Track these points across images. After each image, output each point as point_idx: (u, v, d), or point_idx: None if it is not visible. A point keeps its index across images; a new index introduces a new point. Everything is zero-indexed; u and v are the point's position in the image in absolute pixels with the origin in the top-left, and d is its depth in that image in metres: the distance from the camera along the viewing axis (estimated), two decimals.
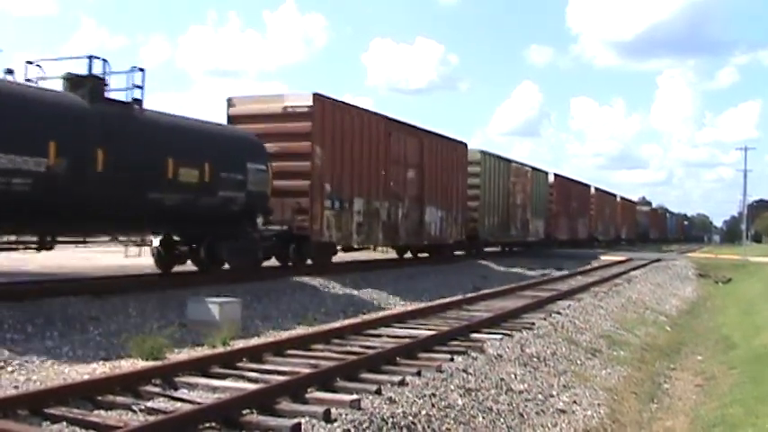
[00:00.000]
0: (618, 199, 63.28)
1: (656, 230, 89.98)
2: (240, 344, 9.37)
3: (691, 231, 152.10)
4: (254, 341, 9.81)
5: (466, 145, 27.65)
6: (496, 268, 26.70)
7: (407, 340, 9.46)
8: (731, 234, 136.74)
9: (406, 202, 22.05)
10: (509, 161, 32.84)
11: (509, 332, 10.74)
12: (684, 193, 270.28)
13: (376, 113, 20.83)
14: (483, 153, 29.49)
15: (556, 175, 41.42)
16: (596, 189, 52.55)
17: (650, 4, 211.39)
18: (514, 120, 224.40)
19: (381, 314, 12.52)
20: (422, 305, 14.17)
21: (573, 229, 44.87)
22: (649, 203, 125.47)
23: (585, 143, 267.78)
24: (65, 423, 5.60)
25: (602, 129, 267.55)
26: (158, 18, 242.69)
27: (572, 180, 45.90)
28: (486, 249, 31.83)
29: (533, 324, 11.66)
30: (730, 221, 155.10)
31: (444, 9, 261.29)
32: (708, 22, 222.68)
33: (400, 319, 11.86)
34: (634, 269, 28.91)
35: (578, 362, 10.20)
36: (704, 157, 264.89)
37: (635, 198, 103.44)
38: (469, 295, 16.08)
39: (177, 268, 15.72)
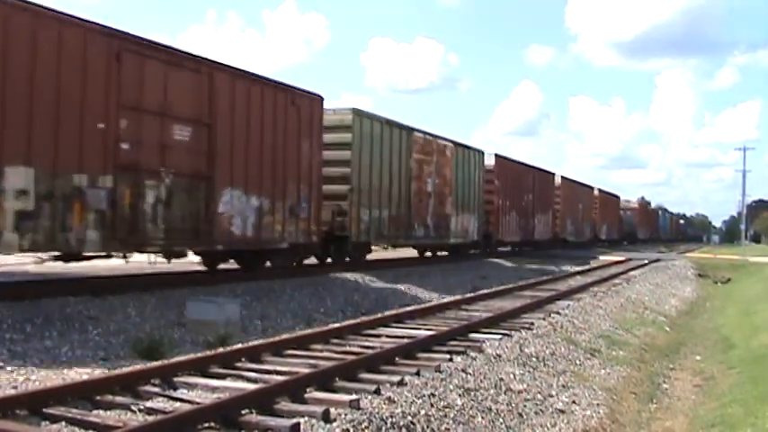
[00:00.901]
0: (595, 192, 53.30)
1: (645, 230, 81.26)
2: (239, 344, 9.36)
3: (686, 230, 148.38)
4: (254, 341, 9.80)
5: (321, 98, 17.45)
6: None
7: (406, 340, 9.46)
8: (730, 234, 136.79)
9: (166, 180, 12.72)
10: (411, 129, 22.49)
11: (508, 332, 10.74)
12: (684, 193, 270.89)
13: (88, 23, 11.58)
14: (357, 113, 19.57)
15: (498, 156, 30.97)
16: (564, 179, 42.94)
17: (650, 4, 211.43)
18: (514, 120, 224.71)
19: (380, 314, 12.50)
20: (421, 306, 14.17)
21: (526, 229, 34.89)
22: (648, 202, 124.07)
23: (585, 143, 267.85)
24: (64, 423, 5.59)
25: (601, 129, 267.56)
26: (158, 18, 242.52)
27: (525, 165, 35.48)
28: (373, 257, 22.42)
29: (532, 324, 11.66)
30: (729, 222, 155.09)
31: (444, 9, 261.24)
32: (707, 23, 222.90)
33: (399, 319, 11.85)
34: (633, 269, 28.91)
35: (577, 362, 10.21)
36: (703, 158, 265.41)
37: (634, 198, 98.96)
38: (468, 295, 16.08)
39: (177, 268, 15.79)
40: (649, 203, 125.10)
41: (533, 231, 36.09)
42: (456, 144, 26.01)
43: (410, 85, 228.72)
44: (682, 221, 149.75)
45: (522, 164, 34.95)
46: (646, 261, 34.77)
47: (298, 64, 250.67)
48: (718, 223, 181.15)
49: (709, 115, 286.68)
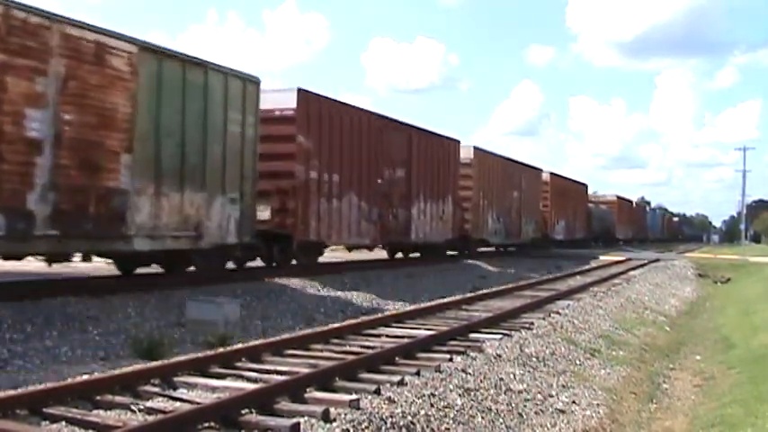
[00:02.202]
0: (546, 176, 39.74)
1: (627, 228, 68.48)
2: (239, 344, 9.36)
3: (682, 229, 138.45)
4: (254, 341, 9.80)
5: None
6: None
7: (406, 340, 9.46)
8: (730, 234, 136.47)
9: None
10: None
11: (508, 332, 10.74)
12: (684, 193, 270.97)
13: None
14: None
15: (301, 91, 17.60)
16: (479, 151, 28.84)
17: (650, 5, 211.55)
18: (514, 120, 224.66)
19: (380, 314, 12.51)
20: (421, 305, 14.16)
21: (385, 227, 21.53)
22: (648, 202, 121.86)
23: (585, 143, 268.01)
24: (64, 423, 5.59)
25: (601, 129, 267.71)
26: (158, 17, 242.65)
27: (395, 121, 22.29)
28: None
29: (532, 324, 11.66)
30: (729, 221, 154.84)
31: (445, 9, 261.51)
32: (708, 23, 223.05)
33: (399, 319, 11.85)
34: (633, 269, 28.91)
35: (577, 362, 10.21)
36: (704, 158, 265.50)
37: (634, 198, 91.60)
38: (468, 295, 16.08)
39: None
40: (649, 203, 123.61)
41: (408, 229, 23.92)
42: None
43: (410, 85, 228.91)
44: (676, 218, 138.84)
45: (376, 115, 21.26)
46: (645, 261, 34.76)
47: (298, 64, 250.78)
48: (718, 223, 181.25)
49: (710, 115, 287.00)
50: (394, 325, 11.28)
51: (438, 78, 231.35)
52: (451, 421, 6.63)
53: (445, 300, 14.87)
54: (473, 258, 28.46)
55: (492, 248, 34.38)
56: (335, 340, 9.66)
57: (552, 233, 41.56)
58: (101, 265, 15.12)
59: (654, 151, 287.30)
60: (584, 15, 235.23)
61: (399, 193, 22.47)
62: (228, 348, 8.74)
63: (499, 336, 10.35)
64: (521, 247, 37.02)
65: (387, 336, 10.28)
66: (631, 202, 75.93)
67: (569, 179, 46.94)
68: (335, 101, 19.19)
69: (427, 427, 6.34)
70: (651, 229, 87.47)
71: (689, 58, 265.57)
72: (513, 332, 10.77)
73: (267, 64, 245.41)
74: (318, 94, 18.22)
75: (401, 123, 22.71)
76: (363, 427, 5.85)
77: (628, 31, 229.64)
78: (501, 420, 7.08)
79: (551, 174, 41.55)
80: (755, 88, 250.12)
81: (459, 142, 27.47)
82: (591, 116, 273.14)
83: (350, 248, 23.22)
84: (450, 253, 28.07)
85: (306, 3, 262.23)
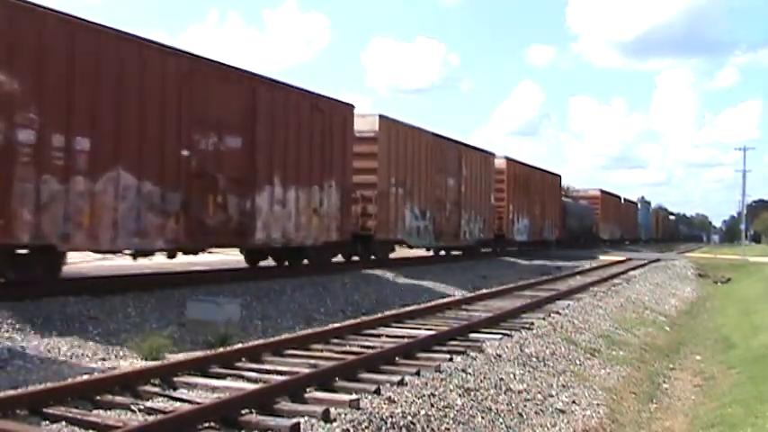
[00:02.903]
0: (500, 162, 31.51)
1: (613, 227, 59.99)
2: (239, 344, 9.36)
3: (679, 227, 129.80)
4: (254, 341, 9.81)
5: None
6: None
7: (406, 340, 9.46)
8: (730, 234, 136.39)
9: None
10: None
11: (508, 332, 10.74)
12: (684, 193, 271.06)
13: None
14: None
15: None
16: (389, 121, 21.69)
17: (651, 5, 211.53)
18: (514, 120, 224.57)
19: (380, 314, 12.51)
20: (421, 305, 14.16)
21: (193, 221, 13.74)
22: (648, 202, 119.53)
23: (585, 143, 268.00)
24: (64, 423, 5.60)
25: (602, 129, 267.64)
26: (159, 17, 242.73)
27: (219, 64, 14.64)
28: None
29: (532, 324, 11.66)
30: (729, 221, 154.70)
31: (445, 9, 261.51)
32: (708, 23, 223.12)
33: (399, 318, 11.85)
34: (633, 269, 28.91)
35: (577, 362, 10.21)
36: (704, 158, 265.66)
37: (634, 197, 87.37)
38: (468, 295, 16.08)
39: (178, 267, 15.82)
40: (649, 203, 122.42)
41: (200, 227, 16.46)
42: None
43: (411, 84, 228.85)
44: (672, 216, 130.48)
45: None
46: (645, 261, 34.74)
47: (299, 64, 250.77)
48: (718, 223, 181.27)
49: (710, 115, 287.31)
50: (394, 325, 11.29)
51: (438, 78, 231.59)
52: (451, 421, 6.63)
53: (446, 300, 14.85)
54: (379, 267, 20.27)
55: (425, 253, 28.44)
56: (335, 340, 9.66)
57: (511, 233, 32.81)
58: (100, 266, 15.11)
59: (654, 151, 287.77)
60: (585, 15, 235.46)
61: (232, 172, 14.66)
62: (228, 348, 8.75)
63: (499, 336, 10.35)
64: (466, 251, 29.19)
65: (387, 336, 10.29)
66: (619, 197, 66.12)
67: (535, 167, 37.12)
68: None
69: (427, 427, 6.34)
70: (643, 229, 78.27)
71: (689, 58, 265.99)
72: (513, 332, 10.77)
73: (268, 64, 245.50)
74: None
75: (237, 70, 15.04)
76: (363, 427, 5.85)
77: (628, 31, 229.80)
78: (501, 420, 7.08)
79: (508, 159, 32.38)
80: (756, 88, 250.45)
81: (352, 107, 19.27)
82: (591, 116, 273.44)
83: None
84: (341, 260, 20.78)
85: (306, 3, 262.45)
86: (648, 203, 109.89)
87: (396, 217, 21.94)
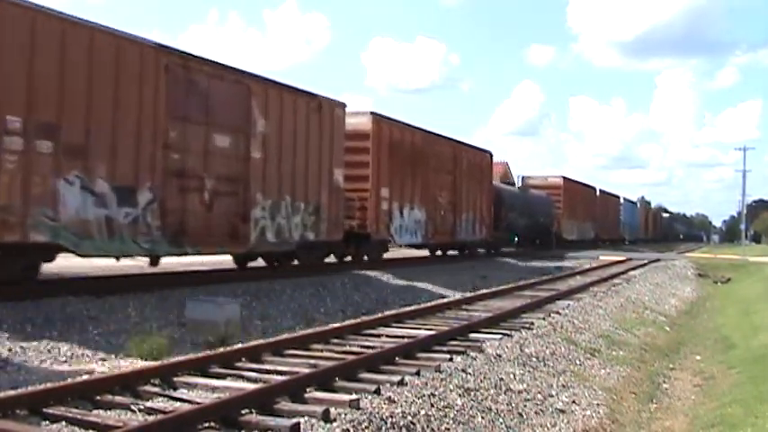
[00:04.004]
0: (363, 122, 20.75)
1: (583, 225, 48.30)
2: (239, 344, 9.36)
3: (674, 227, 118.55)
4: (254, 341, 9.81)
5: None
6: None
7: (406, 340, 9.46)
8: (730, 234, 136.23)
9: None
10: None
11: (508, 332, 10.74)
12: (684, 193, 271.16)
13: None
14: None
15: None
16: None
17: (651, 5, 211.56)
18: (515, 119, 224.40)
19: (380, 314, 12.51)
20: (421, 305, 14.16)
21: None
22: (648, 202, 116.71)
23: (585, 143, 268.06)
24: (64, 423, 5.59)
25: (602, 129, 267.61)
26: (159, 17, 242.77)
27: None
28: None
29: (532, 324, 11.66)
30: (729, 221, 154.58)
31: (445, 8, 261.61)
32: (708, 22, 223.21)
33: (399, 318, 11.85)
34: (633, 269, 28.91)
35: (577, 362, 10.21)
36: (704, 158, 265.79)
37: (634, 197, 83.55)
38: (468, 295, 16.08)
39: (178, 268, 15.81)
40: (649, 203, 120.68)
41: None
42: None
43: (411, 84, 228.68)
44: (666, 214, 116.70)
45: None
46: (646, 261, 34.75)
47: (299, 64, 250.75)
48: (718, 223, 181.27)
49: (710, 115, 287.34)
50: (394, 325, 11.29)
51: (439, 78, 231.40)
52: (451, 421, 6.63)
53: (446, 300, 14.86)
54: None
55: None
56: (335, 340, 9.66)
57: (379, 232, 21.13)
58: (100, 266, 15.11)
59: (654, 151, 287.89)
60: (585, 15, 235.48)
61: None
62: (228, 348, 8.74)
63: (499, 336, 10.35)
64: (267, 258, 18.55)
65: (387, 336, 10.28)
66: (593, 188, 53.82)
67: (437, 135, 25.42)
68: None
69: (427, 427, 6.34)
70: (627, 227, 66.13)
71: (689, 58, 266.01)
72: (513, 332, 10.77)
73: (268, 64, 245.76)
74: None
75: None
76: (363, 427, 5.85)
77: (628, 30, 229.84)
78: (501, 420, 7.08)
79: (376, 117, 20.99)
80: (756, 88, 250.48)
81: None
82: (591, 116, 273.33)
83: None
84: None
85: (306, 2, 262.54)
86: (648, 203, 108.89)
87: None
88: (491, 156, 31.51)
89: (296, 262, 17.97)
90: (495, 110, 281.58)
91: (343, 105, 19.01)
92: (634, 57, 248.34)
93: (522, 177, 43.45)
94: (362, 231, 20.41)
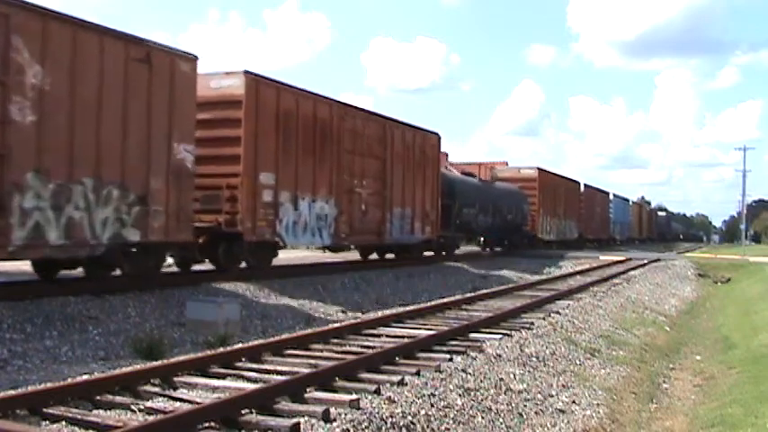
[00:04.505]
0: (233, 85, 15.20)
1: (562, 223, 42.11)
2: (239, 344, 9.36)
3: (671, 226, 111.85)
4: (254, 341, 9.81)
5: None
6: None
7: (406, 340, 9.46)
8: (730, 234, 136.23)
9: None
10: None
11: (508, 332, 10.74)
12: (684, 193, 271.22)
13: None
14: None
15: None
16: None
17: (652, 4, 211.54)
18: (515, 119, 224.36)
19: (380, 314, 12.52)
20: (421, 305, 14.16)
21: None
22: (648, 202, 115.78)
23: (586, 143, 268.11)
24: (64, 423, 5.59)
25: (602, 129, 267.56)
26: (159, 16, 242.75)
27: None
28: None
29: (532, 324, 11.65)
30: (729, 221, 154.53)
31: (446, 8, 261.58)
32: (709, 22, 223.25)
33: (399, 318, 11.85)
34: (633, 269, 28.91)
35: (577, 362, 10.20)
36: (704, 157, 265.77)
37: (634, 197, 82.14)
38: (468, 295, 16.08)
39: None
40: (649, 203, 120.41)
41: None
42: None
43: (411, 84, 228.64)
44: (662, 213, 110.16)
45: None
46: (645, 261, 34.73)
47: (299, 64, 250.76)
48: (718, 223, 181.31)
49: (710, 115, 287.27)
50: (394, 325, 11.29)
51: (439, 78, 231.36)
52: (451, 421, 6.63)
53: (445, 300, 14.86)
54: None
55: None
56: (335, 340, 9.66)
57: (257, 231, 15.72)
58: None
59: (654, 151, 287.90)
60: (586, 15, 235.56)
61: None
62: (228, 348, 8.74)
63: (499, 336, 10.35)
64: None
65: (387, 335, 10.29)
66: (576, 183, 47.23)
67: (357, 108, 20.19)
68: None
69: (427, 427, 6.34)
70: (618, 226, 60.95)
71: (690, 57, 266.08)
72: (513, 332, 10.77)
73: (268, 63, 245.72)
74: None
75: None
76: (363, 427, 5.85)
77: (629, 30, 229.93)
78: (501, 420, 7.08)
79: (254, 78, 15.67)
80: (756, 88, 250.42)
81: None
82: (591, 116, 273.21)
83: None
84: None
85: (307, 2, 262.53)
86: (648, 203, 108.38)
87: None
88: (438, 138, 24.98)
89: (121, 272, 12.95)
90: (495, 110, 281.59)
91: (193, 58, 13.41)
92: (634, 57, 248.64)
93: (492, 169, 37.79)
94: (232, 230, 14.98)
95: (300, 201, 16.92)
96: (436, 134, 24.90)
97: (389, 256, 24.12)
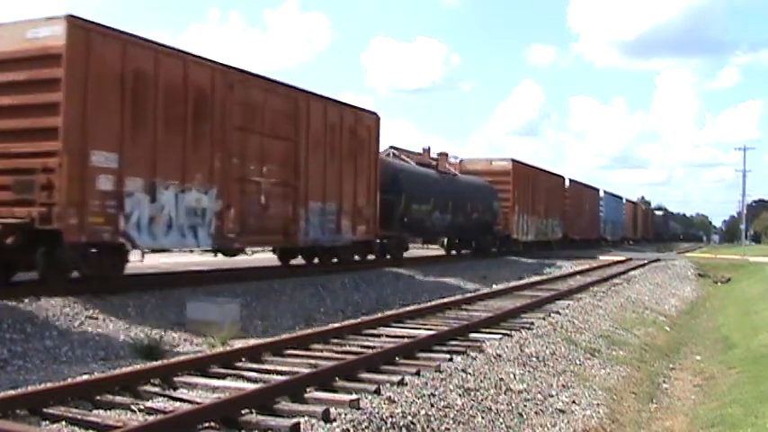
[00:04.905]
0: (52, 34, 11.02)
1: (541, 222, 37.49)
2: (239, 344, 9.36)
3: (668, 226, 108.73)
4: (254, 341, 9.81)
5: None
6: None
7: (406, 340, 9.45)
8: (730, 234, 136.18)
9: None
10: None
11: (508, 332, 10.73)
12: (684, 193, 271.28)
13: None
14: None
15: None
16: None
17: (651, 4, 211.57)
18: (515, 119, 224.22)
19: (380, 314, 12.51)
20: (421, 305, 14.16)
21: None
22: (648, 202, 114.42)
23: (586, 143, 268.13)
24: (64, 423, 5.59)
25: (602, 129, 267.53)
26: (159, 16, 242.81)
27: None
28: None
29: (532, 324, 11.65)
30: (729, 221, 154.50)
31: (446, 8, 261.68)
32: (709, 22, 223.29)
33: (399, 318, 11.85)
34: (633, 269, 28.92)
35: (577, 362, 10.20)
36: (704, 157, 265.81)
37: (634, 197, 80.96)
38: (468, 295, 16.08)
39: (178, 268, 15.80)
40: (649, 203, 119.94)
41: None
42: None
43: (411, 84, 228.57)
44: (659, 211, 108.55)
45: None
46: (645, 261, 34.74)
47: (300, 64, 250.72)
48: (718, 223, 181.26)
49: (710, 115, 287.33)
50: (394, 325, 11.29)
51: (439, 78, 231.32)
52: (451, 421, 6.63)
53: (446, 300, 14.86)
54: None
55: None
56: (335, 340, 9.66)
57: (86, 228, 11.43)
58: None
59: (654, 151, 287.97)
60: (586, 15, 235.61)
61: None
62: (228, 348, 8.74)
63: (499, 336, 10.35)
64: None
65: (387, 336, 10.28)
66: (561, 177, 43.14)
67: (253, 75, 15.83)
68: None
69: (427, 427, 6.34)
70: (610, 226, 57.36)
71: (690, 57, 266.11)
72: (513, 332, 10.76)
73: (269, 63, 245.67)
74: None
75: None
76: (363, 427, 5.85)
77: (629, 30, 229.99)
78: (501, 420, 7.08)
79: (83, 25, 11.53)
80: (756, 88, 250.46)
81: None
82: (592, 116, 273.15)
83: None
84: None
85: (307, 2, 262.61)
86: (648, 203, 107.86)
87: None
88: (377, 119, 20.46)
89: None
90: (495, 110, 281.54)
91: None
92: (634, 57, 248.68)
93: (461, 161, 34.09)
94: (48, 227, 11.11)
95: (161, 190, 12.85)
96: (374, 114, 20.48)
97: (316, 260, 19.29)
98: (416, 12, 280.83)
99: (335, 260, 19.30)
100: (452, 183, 28.33)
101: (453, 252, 31.09)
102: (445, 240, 30.64)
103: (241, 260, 17.25)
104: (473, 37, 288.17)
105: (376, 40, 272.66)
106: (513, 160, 33.74)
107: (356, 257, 20.56)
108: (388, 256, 22.59)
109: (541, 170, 38.85)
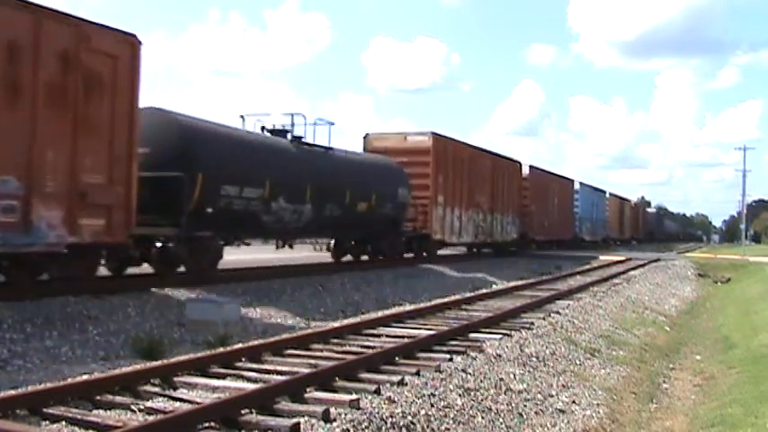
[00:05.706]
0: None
1: (505, 221, 31.70)
2: (239, 344, 9.35)
3: (663, 225, 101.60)
4: (254, 341, 9.81)
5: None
6: None
7: (406, 340, 9.45)
8: (730, 234, 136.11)
9: None
10: None
11: (508, 332, 10.73)
12: (684, 193, 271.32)
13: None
14: None
15: None
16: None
17: (652, 4, 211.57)
18: (515, 119, 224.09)
19: (380, 314, 12.51)
20: (421, 306, 14.16)
21: None
22: (648, 202, 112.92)
23: (586, 143, 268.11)
24: (64, 423, 5.59)
25: (602, 128, 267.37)
26: (159, 16, 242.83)
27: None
28: None
29: (532, 324, 11.65)
30: (729, 221, 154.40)
31: (446, 8, 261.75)
32: (709, 22, 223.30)
33: (399, 318, 11.85)
34: (633, 269, 28.92)
35: (577, 362, 10.20)
36: (704, 157, 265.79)
37: (634, 197, 78.42)
38: (468, 295, 16.08)
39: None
40: (649, 203, 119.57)
41: None
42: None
43: (411, 84, 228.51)
44: (652, 209, 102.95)
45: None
46: (645, 261, 34.73)
47: (300, 64, 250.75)
48: (718, 223, 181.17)
49: (710, 115, 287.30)
50: (394, 325, 11.29)
51: (439, 78, 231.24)
52: (451, 421, 6.63)
53: (446, 300, 14.86)
54: None
55: None
56: (335, 340, 9.66)
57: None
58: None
59: (654, 151, 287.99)
60: (586, 15, 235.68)
61: None
62: (228, 348, 8.74)
63: (499, 336, 10.35)
64: None
65: (387, 336, 10.28)
66: (516, 162, 34.50)
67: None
68: None
69: (427, 427, 6.34)
70: (588, 224, 48.57)
71: (690, 57, 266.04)
72: (513, 332, 10.77)
73: (269, 63, 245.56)
74: None
75: None
76: (363, 427, 5.85)
77: (629, 30, 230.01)
78: (501, 420, 7.08)
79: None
80: (756, 88, 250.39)
81: None
82: (592, 116, 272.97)
83: None
84: None
85: (307, 2, 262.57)
86: (648, 203, 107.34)
87: None
88: (133, 44, 12.05)
89: None
90: (495, 110, 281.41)
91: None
92: (634, 57, 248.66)
93: (366, 135, 25.26)
94: None
95: None
96: (127, 35, 12.04)
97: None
98: (416, 12, 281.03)
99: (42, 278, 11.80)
100: (321, 159, 18.84)
101: (349, 257, 22.21)
102: (332, 242, 21.89)
103: None
104: (473, 37, 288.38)
105: (376, 40, 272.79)
106: (434, 134, 24.80)
107: (83, 272, 11.99)
108: (184, 269, 14.55)
109: (483, 151, 29.98)
